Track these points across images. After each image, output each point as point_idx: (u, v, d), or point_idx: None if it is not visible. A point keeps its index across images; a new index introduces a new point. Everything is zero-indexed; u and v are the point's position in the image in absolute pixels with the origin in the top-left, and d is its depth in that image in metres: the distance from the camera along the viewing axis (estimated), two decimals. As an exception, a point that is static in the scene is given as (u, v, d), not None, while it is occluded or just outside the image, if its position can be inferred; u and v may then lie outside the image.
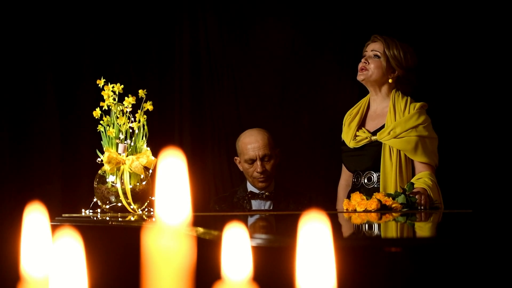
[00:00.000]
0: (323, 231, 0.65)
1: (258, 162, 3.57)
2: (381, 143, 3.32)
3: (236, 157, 3.71)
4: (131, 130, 2.87)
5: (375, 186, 3.31)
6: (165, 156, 0.66)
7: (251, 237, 1.67)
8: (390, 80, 3.38)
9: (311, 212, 0.66)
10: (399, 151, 3.28)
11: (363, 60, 3.40)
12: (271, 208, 3.63)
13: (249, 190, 3.65)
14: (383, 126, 3.36)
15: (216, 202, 3.76)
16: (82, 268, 0.66)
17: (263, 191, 3.63)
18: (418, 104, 3.33)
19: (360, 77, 3.41)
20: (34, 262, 0.68)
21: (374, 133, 3.37)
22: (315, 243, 0.64)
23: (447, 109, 4.33)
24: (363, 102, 3.51)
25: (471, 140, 4.43)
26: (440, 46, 4.48)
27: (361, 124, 3.46)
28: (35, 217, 0.69)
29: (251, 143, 3.59)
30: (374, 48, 3.39)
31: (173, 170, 0.65)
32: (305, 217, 0.65)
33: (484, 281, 1.62)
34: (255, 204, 3.64)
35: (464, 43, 4.46)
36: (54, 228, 0.73)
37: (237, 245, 0.67)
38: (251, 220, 2.91)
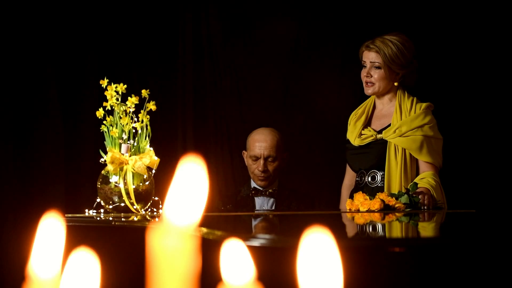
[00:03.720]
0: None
1: (261, 161, 3.61)
2: (386, 141, 3.32)
3: (244, 151, 3.75)
4: (134, 130, 2.87)
5: (379, 185, 3.31)
6: (185, 162, 0.65)
7: (254, 237, 1.67)
8: (396, 84, 3.38)
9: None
10: (404, 150, 3.28)
11: (365, 73, 3.37)
12: (274, 206, 3.66)
13: (252, 186, 3.69)
14: (388, 125, 3.35)
15: (220, 200, 3.81)
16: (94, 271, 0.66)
17: (266, 189, 3.67)
18: (424, 105, 3.33)
19: (368, 91, 3.40)
20: (41, 262, 0.67)
21: (379, 131, 3.37)
22: (319, 244, 0.64)
23: (451, 110, 4.33)
24: (368, 102, 3.50)
25: (474, 140, 4.42)
26: (444, 47, 4.48)
27: (367, 124, 3.45)
28: (50, 221, 0.69)
29: (259, 141, 3.64)
30: (371, 58, 3.35)
31: (193, 176, 0.65)
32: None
33: (487, 281, 1.62)
34: (259, 201, 3.68)
35: (467, 44, 4.45)
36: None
37: (237, 249, 0.67)
38: (254, 220, 2.92)
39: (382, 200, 2.81)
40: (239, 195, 3.73)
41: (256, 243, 1.61)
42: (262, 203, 3.68)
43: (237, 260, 0.66)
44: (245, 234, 1.88)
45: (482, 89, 4.44)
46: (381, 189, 3.25)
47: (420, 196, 2.97)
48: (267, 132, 3.69)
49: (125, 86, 2.87)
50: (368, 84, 3.37)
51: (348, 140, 3.48)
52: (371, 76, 3.35)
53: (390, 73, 3.34)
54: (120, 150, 2.83)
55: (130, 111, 2.86)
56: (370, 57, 3.35)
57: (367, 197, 2.87)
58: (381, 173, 3.32)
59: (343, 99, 4.45)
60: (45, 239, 0.68)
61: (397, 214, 2.78)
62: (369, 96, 3.50)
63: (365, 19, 4.48)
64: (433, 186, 3.12)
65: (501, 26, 4.43)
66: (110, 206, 2.82)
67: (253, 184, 3.71)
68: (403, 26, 4.28)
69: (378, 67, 3.34)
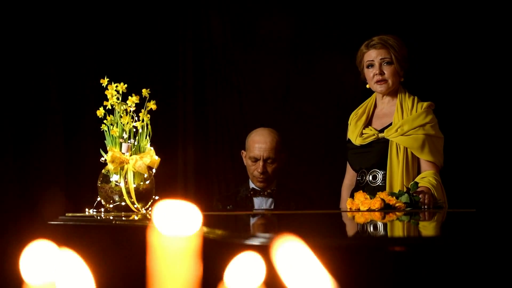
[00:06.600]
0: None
1: (261, 163, 3.60)
2: (387, 140, 3.31)
3: (243, 151, 3.74)
4: (134, 130, 2.87)
5: (380, 184, 3.30)
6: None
7: (255, 236, 1.67)
8: (402, 79, 3.38)
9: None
10: (406, 149, 3.27)
11: (376, 71, 3.32)
12: (273, 205, 3.66)
13: (251, 187, 3.68)
14: (390, 125, 3.35)
15: (219, 200, 3.80)
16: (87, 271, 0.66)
17: (265, 189, 3.66)
18: (425, 104, 3.32)
19: (381, 89, 3.36)
20: (35, 267, 0.67)
21: (381, 130, 3.36)
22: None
23: (451, 109, 4.33)
24: (369, 102, 3.49)
25: (474, 140, 4.42)
26: (444, 47, 4.48)
27: (368, 123, 3.45)
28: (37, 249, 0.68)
29: (259, 142, 3.62)
30: (381, 55, 3.32)
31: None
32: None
33: (487, 281, 1.62)
34: (257, 201, 3.67)
35: (467, 44, 4.46)
36: (57, 227, 0.73)
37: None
38: (253, 219, 2.91)
39: (383, 199, 2.81)
40: (237, 195, 3.72)
41: (256, 242, 1.61)
42: (261, 203, 3.68)
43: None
44: (246, 233, 1.88)
45: (483, 89, 4.45)
46: (382, 188, 3.24)
47: (420, 196, 2.97)
48: (266, 133, 3.66)
49: (126, 85, 2.88)
50: (381, 82, 3.35)
51: (349, 139, 3.47)
52: (384, 73, 3.33)
53: (400, 68, 3.33)
54: (120, 149, 2.83)
55: (130, 110, 2.86)
56: (380, 54, 3.33)
57: (368, 196, 2.87)
58: (382, 172, 3.31)
59: (344, 98, 4.46)
60: (33, 267, 0.67)
61: (397, 213, 2.78)
62: (369, 95, 3.50)
63: (366, 18, 4.48)
64: (434, 186, 3.11)
65: (501, 26, 4.43)
66: (111, 205, 2.82)
67: (251, 185, 3.70)
68: (403, 26, 4.29)
69: (389, 63, 3.32)
